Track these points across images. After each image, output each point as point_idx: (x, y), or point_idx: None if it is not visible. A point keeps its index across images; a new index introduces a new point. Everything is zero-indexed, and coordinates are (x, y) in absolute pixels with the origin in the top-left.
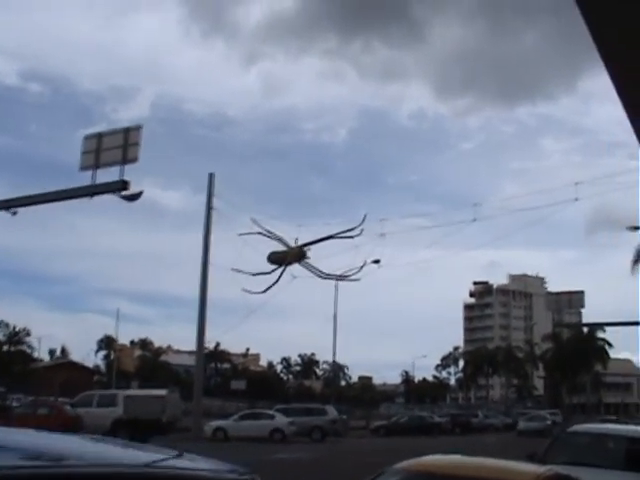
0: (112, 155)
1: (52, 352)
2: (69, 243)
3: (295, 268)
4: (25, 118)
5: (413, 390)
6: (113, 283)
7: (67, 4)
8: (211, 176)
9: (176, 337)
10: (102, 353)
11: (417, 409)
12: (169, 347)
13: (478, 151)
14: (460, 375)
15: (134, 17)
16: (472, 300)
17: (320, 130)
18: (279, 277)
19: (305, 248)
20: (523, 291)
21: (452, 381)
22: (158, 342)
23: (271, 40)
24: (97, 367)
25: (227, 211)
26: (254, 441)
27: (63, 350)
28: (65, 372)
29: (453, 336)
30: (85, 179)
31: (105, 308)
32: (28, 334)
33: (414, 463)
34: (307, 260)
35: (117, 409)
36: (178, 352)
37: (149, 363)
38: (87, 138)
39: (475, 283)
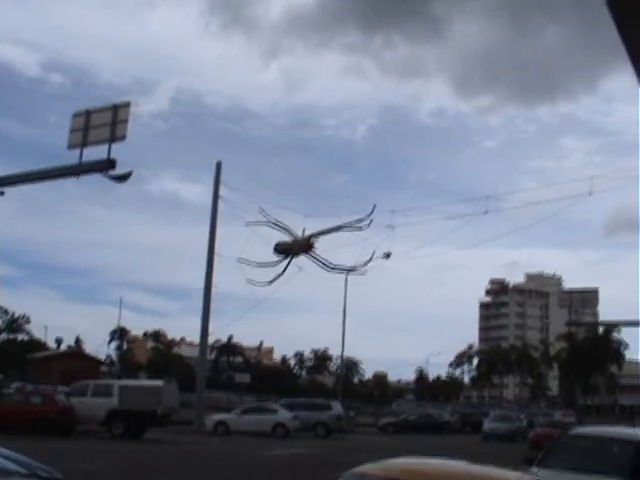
0: (100, 133)
1: (59, 341)
2: (89, 235)
3: (302, 260)
4: (46, 109)
5: (426, 388)
6: (131, 275)
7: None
8: (218, 165)
9: (190, 329)
10: (115, 344)
11: (429, 407)
12: (182, 339)
13: (499, 149)
14: (474, 373)
15: (155, 11)
16: (488, 299)
17: (340, 126)
18: (285, 268)
19: (312, 239)
20: (539, 290)
21: (466, 379)
22: (172, 334)
23: (292, 34)
24: (109, 358)
25: (245, 204)
26: (256, 436)
27: (77, 340)
28: (71, 361)
29: (468, 334)
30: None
31: (123, 300)
32: (28, 321)
33: (375, 468)
34: (314, 251)
35: (112, 399)
36: (191, 345)
37: (161, 355)
38: (75, 116)
39: (492, 281)
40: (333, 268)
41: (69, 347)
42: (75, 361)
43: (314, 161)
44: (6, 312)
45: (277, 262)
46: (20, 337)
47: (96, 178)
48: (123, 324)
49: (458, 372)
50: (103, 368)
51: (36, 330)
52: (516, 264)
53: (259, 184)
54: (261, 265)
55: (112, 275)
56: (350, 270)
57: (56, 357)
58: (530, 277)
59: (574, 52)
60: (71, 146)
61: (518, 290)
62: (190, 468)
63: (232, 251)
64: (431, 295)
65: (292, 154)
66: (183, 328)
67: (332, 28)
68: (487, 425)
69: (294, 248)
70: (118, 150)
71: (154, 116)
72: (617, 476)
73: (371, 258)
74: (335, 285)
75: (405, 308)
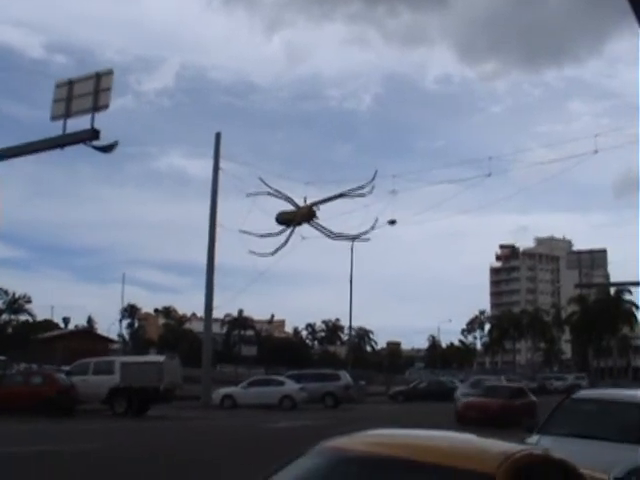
0: (84, 102)
1: (66, 320)
2: (98, 215)
3: (305, 229)
4: (50, 90)
5: (439, 355)
6: (142, 253)
7: None
8: (218, 136)
9: (200, 305)
10: (126, 322)
11: (441, 374)
12: (193, 315)
13: (506, 115)
14: (486, 339)
15: None
16: (498, 264)
17: (345, 96)
18: (287, 238)
19: (314, 207)
20: (550, 254)
21: (478, 346)
22: (183, 310)
23: (293, 7)
24: (121, 336)
25: (251, 178)
26: (263, 408)
27: (89, 320)
28: (79, 341)
29: (480, 300)
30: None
31: (133, 278)
32: (29, 301)
33: (343, 442)
34: (316, 220)
35: (114, 377)
36: (202, 320)
37: (172, 331)
38: (58, 86)
39: (501, 247)
40: (336, 236)
41: (75, 327)
42: (83, 340)
43: (319, 133)
44: (6, 293)
45: (279, 232)
46: (24, 318)
47: (103, 157)
48: (135, 302)
49: (470, 338)
50: (115, 346)
51: (43, 311)
52: (525, 229)
53: (265, 157)
54: (263, 236)
55: (122, 253)
56: (354, 237)
57: (64, 337)
58: (540, 241)
59: (579, 15)
60: (54, 117)
61: (528, 254)
62: (189, 443)
63: (237, 224)
64: (441, 262)
65: (297, 126)
66: (194, 304)
67: None
68: (459, 393)
69: (296, 217)
70: (117, 123)
71: (159, 93)
72: (625, 442)
73: (374, 225)
74: (344, 255)
75: (415, 276)
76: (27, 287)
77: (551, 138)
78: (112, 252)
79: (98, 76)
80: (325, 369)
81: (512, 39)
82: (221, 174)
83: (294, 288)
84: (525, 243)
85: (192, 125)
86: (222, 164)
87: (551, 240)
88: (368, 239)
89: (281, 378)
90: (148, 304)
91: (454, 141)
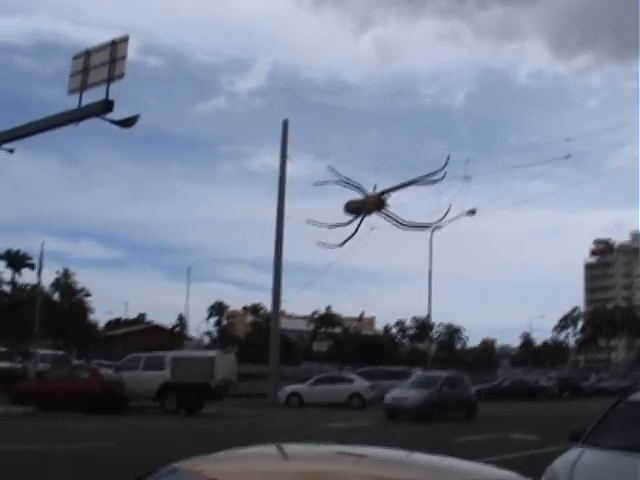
0: (100, 73)
1: (141, 316)
2: (191, 214)
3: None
4: (145, 92)
5: (532, 353)
6: (234, 251)
7: None
8: (285, 123)
9: (290, 303)
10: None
11: (534, 372)
12: (282, 312)
13: (602, 108)
14: (579, 337)
15: None
16: (593, 260)
17: (439, 93)
18: (357, 228)
19: (384, 195)
20: None
21: (571, 343)
22: (271, 308)
23: (382, 4)
24: (208, 333)
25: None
26: (331, 407)
27: (180, 317)
28: (152, 337)
29: (574, 297)
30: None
31: (226, 276)
32: (88, 294)
33: (193, 465)
34: (387, 208)
35: (165, 372)
36: (291, 317)
37: (260, 328)
38: (75, 58)
39: (596, 242)
40: (407, 225)
41: (147, 323)
42: (157, 336)
43: (412, 130)
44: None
45: (349, 222)
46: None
47: (196, 157)
48: (226, 300)
49: (563, 336)
50: (190, 342)
51: (135, 310)
52: (621, 224)
53: (359, 155)
54: (332, 226)
55: (215, 252)
56: (426, 226)
57: (136, 333)
58: (636, 236)
59: None
60: (71, 91)
61: (623, 250)
62: (214, 442)
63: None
64: (534, 258)
65: (390, 124)
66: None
67: None
68: (390, 394)
69: (365, 206)
70: (212, 123)
71: (252, 93)
72: None
73: (447, 213)
74: (436, 253)
75: (508, 272)
76: (122, 286)
77: None
78: (204, 250)
79: (114, 43)
80: (397, 366)
81: (605, 32)
82: (315, 173)
83: (384, 285)
84: (621, 238)
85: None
86: (318, 164)
87: None
88: (441, 227)
89: (351, 375)
90: (240, 302)
91: (549, 136)
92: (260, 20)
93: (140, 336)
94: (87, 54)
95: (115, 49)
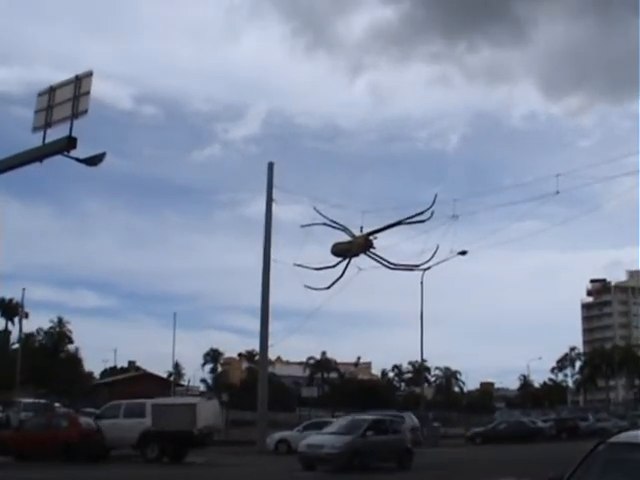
0: (65, 110)
1: (131, 364)
2: (187, 262)
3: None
4: (140, 141)
5: (531, 395)
6: (231, 299)
7: (174, 32)
8: (270, 166)
9: (285, 349)
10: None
11: (533, 414)
12: (278, 358)
13: (595, 148)
14: (578, 377)
15: (240, 39)
16: (590, 299)
17: (432, 137)
18: (344, 270)
19: (371, 237)
20: None
21: (570, 384)
22: (269, 354)
23: (374, 50)
24: (204, 380)
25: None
26: None
27: (176, 365)
28: (140, 385)
29: (571, 338)
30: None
31: (223, 324)
32: (70, 341)
33: None
34: (373, 250)
35: (145, 420)
36: (287, 363)
37: (255, 374)
38: (40, 94)
39: (592, 281)
40: (395, 266)
41: (137, 369)
42: (145, 384)
43: (406, 174)
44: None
45: (336, 264)
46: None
47: (193, 205)
48: (223, 347)
49: (561, 377)
50: (181, 389)
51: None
52: (617, 263)
53: (354, 200)
54: (319, 269)
55: (212, 300)
56: (414, 267)
57: (125, 381)
58: (632, 274)
59: None
60: (35, 128)
61: (620, 288)
62: None
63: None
64: (531, 299)
65: (384, 168)
66: (279, 347)
67: (413, 39)
68: (305, 442)
69: (352, 248)
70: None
71: (247, 141)
72: None
73: (434, 253)
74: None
75: (504, 314)
76: (117, 335)
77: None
78: (202, 298)
79: (78, 79)
80: (389, 410)
81: (596, 71)
82: (307, 218)
83: (381, 329)
84: (617, 277)
85: (281, 171)
86: (310, 208)
87: None
88: (428, 268)
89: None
90: (235, 349)
91: (543, 176)
92: (255, 68)
93: (130, 384)
94: (51, 90)
95: (79, 85)
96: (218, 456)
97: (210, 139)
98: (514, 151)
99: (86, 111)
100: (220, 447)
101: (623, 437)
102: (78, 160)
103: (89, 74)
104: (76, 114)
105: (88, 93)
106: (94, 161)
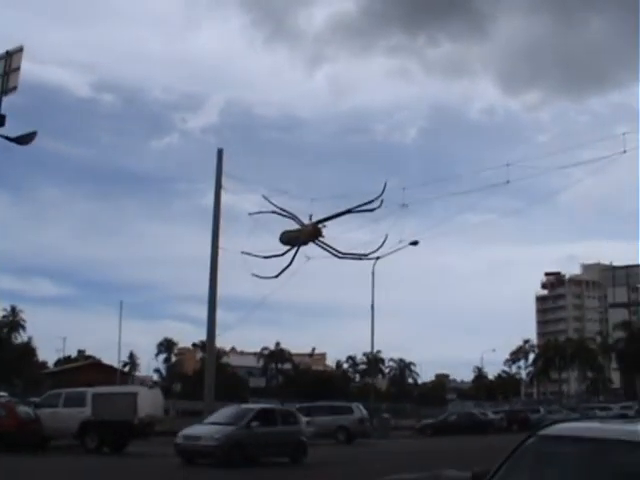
0: None
1: (81, 353)
2: (146, 252)
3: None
4: (98, 129)
5: (485, 387)
6: (189, 288)
7: (134, 20)
8: (220, 152)
9: (241, 339)
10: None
11: (487, 406)
12: (232, 349)
13: (552, 144)
14: (531, 369)
15: (200, 28)
16: (544, 292)
17: (391, 129)
18: (292, 259)
19: (320, 225)
20: (597, 281)
21: (523, 376)
22: (222, 344)
23: (335, 42)
24: (157, 370)
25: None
26: None
27: (131, 355)
28: (90, 374)
29: (526, 330)
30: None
31: (181, 314)
32: (24, 330)
33: None
34: (322, 239)
35: (86, 409)
36: (242, 354)
37: None
38: None
39: (547, 274)
40: (343, 255)
41: (86, 358)
42: (95, 373)
43: (364, 166)
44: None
45: (284, 253)
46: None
47: (151, 194)
48: (180, 337)
49: (514, 369)
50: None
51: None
52: (572, 258)
53: (312, 191)
54: (267, 257)
55: (170, 289)
56: (362, 256)
57: (74, 370)
58: (586, 268)
59: (620, 40)
60: None
61: (575, 281)
62: None
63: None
64: (486, 291)
65: (343, 160)
66: (234, 338)
67: (374, 32)
68: (182, 433)
69: (301, 236)
70: (165, 160)
71: (206, 130)
72: None
73: (383, 242)
74: (383, 285)
75: (460, 306)
76: (73, 324)
77: (598, 165)
78: (159, 288)
79: (8, 54)
80: (337, 402)
81: (554, 67)
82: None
83: (337, 320)
84: (572, 270)
85: (239, 161)
86: (274, 199)
87: (597, 266)
88: (378, 258)
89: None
90: (191, 339)
91: (501, 171)
92: (215, 58)
93: (78, 373)
94: None
95: (9, 61)
96: (160, 447)
97: (169, 128)
98: (472, 145)
99: (15, 87)
100: (163, 438)
101: (554, 429)
102: (8, 139)
103: (19, 49)
104: (5, 90)
105: (18, 69)
106: (25, 140)
